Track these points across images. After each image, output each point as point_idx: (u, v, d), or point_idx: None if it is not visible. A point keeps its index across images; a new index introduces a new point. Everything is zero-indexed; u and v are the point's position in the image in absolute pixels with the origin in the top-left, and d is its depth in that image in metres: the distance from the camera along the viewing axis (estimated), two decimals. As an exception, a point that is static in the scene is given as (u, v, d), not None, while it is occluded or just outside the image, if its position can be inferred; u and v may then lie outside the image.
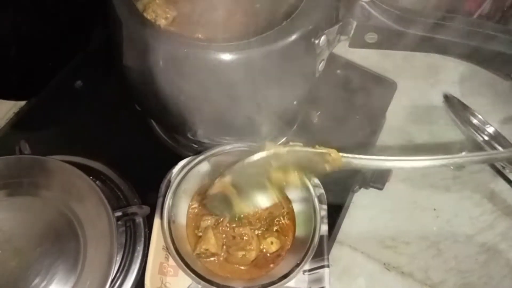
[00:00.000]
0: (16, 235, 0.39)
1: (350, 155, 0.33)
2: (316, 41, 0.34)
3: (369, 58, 0.63)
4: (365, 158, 0.33)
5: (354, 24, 0.35)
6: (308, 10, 0.34)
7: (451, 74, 0.69)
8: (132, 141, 0.49)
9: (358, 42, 0.36)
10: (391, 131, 0.63)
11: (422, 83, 0.69)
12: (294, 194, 0.44)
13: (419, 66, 0.71)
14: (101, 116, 0.50)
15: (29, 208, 0.41)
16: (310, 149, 0.33)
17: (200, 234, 0.40)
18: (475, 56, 0.35)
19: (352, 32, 0.36)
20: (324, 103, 0.53)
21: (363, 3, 0.34)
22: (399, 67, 0.68)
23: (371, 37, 0.35)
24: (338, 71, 0.56)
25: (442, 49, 0.35)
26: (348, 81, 0.56)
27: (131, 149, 0.48)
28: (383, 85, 0.56)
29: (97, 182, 0.46)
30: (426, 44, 0.35)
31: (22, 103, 0.55)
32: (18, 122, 0.52)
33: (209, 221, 0.41)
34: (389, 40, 0.35)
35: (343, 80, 0.56)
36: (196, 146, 0.48)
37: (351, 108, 0.54)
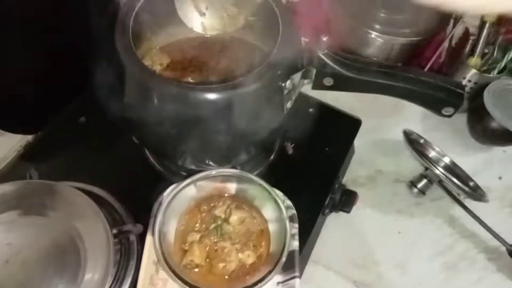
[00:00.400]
0: (24, 249, 0.45)
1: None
2: (283, 84, 0.42)
3: (340, 100, 0.71)
4: None
5: (314, 70, 0.43)
6: (277, 59, 0.42)
7: (413, 113, 0.78)
8: (129, 169, 0.55)
9: (318, 85, 0.44)
10: (361, 162, 0.70)
11: (389, 120, 0.77)
12: (269, 215, 0.50)
13: (387, 105, 0.80)
14: (102, 147, 0.57)
15: (37, 226, 0.46)
16: None
17: (186, 247, 0.46)
18: (412, 97, 0.43)
19: (313, 77, 0.44)
20: (298, 137, 0.61)
21: (320, 54, 0.42)
22: (368, 107, 0.76)
23: (328, 81, 0.44)
24: (311, 110, 0.64)
25: (385, 91, 0.43)
26: (319, 118, 0.63)
27: (127, 176, 0.55)
28: (349, 122, 0.64)
29: (97, 205, 0.52)
30: (372, 87, 0.43)
31: (29, 137, 0.62)
32: (27, 154, 0.58)
33: (194, 236, 0.46)
34: (342, 84, 0.43)
35: (315, 117, 0.63)
36: (185, 173, 0.54)
37: (322, 141, 0.62)
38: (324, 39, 0.41)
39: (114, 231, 0.48)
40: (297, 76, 0.43)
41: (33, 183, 0.48)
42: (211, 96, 0.40)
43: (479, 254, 0.64)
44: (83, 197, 0.48)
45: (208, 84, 0.40)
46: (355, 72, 0.42)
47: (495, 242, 0.63)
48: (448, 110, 0.42)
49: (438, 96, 0.41)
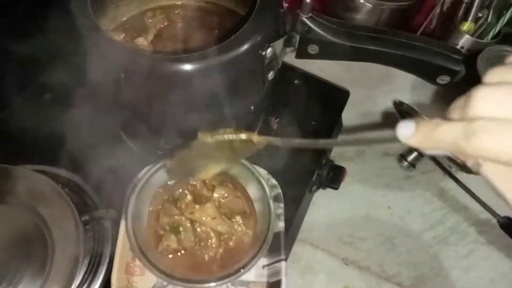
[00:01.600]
0: (-16, 241, 0.41)
1: (269, 137, 0.36)
2: (263, 53, 0.38)
3: (327, 70, 0.67)
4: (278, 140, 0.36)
5: (298, 37, 0.39)
6: (255, 24, 0.37)
7: (403, 83, 0.75)
8: (99, 148, 0.51)
9: (302, 53, 0.40)
10: (348, 135, 0.67)
11: (376, 91, 0.74)
12: (253, 194, 0.47)
13: (375, 76, 0.76)
14: (68, 126, 0.52)
15: (-3, 215, 0.42)
16: (235, 137, 0.36)
17: (162, 232, 0.43)
18: (403, 64, 0.39)
19: (296, 44, 0.40)
20: (282, 110, 0.57)
21: (304, 18, 0.38)
22: (356, 78, 0.73)
23: (313, 48, 0.39)
24: (296, 81, 0.60)
25: (374, 58, 0.39)
26: (305, 91, 0.60)
27: (98, 156, 0.50)
28: (337, 94, 0.60)
29: (66, 189, 0.48)
30: (360, 54, 0.39)
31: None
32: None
33: (169, 219, 0.43)
34: (328, 51, 0.39)
35: (300, 89, 0.60)
36: (161, 152, 0.50)
37: (308, 115, 0.58)
38: (308, 1, 0.36)
39: (85, 217, 0.44)
40: (278, 44, 0.39)
41: (-10, 168, 0.44)
42: (184, 67, 0.35)
43: (470, 227, 0.62)
44: (47, 181, 0.44)
45: (180, 54, 0.36)
46: (342, 38, 0.38)
47: (486, 215, 0.61)
48: (443, 79, 0.38)
49: (433, 63, 0.38)
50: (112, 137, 0.52)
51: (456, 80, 0.39)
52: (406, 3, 0.72)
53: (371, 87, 0.75)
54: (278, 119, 0.57)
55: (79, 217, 0.42)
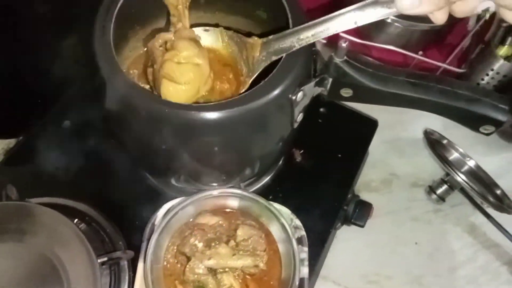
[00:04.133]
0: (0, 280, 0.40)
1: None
2: (294, 97, 0.35)
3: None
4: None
5: (330, 80, 0.37)
6: (286, 68, 0.35)
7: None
8: (118, 182, 0.50)
9: (334, 96, 0.38)
10: (374, 164, 0.64)
11: (404, 116, 0.70)
12: (277, 235, 0.45)
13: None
14: (87, 157, 0.51)
15: (14, 254, 0.41)
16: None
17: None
18: (445, 112, 0.36)
19: (328, 86, 0.37)
20: (307, 141, 0.55)
21: (338, 61, 0.35)
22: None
23: (346, 91, 0.37)
24: (321, 110, 0.57)
25: (414, 105, 0.36)
26: (331, 119, 0.57)
27: (117, 191, 0.49)
28: (364, 123, 0.57)
29: (82, 224, 0.47)
30: (399, 100, 0.36)
31: (6, 144, 0.56)
32: (8, 162, 0.52)
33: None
34: (364, 96, 0.37)
35: (326, 118, 0.57)
36: (181, 186, 0.49)
37: (333, 146, 0.55)
38: (344, 45, 0.34)
39: (103, 259, 0.42)
40: (309, 87, 0.37)
41: (9, 206, 0.43)
42: (209, 116, 0.33)
43: (502, 266, 0.59)
44: (67, 220, 0.42)
45: (206, 95, 0.34)
46: (379, 83, 0.35)
47: (519, 254, 0.58)
48: (487, 128, 0.35)
49: (477, 113, 0.35)
50: (132, 172, 0.50)
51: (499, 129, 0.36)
52: (438, 24, 0.68)
53: (398, 111, 0.71)
54: (302, 151, 0.55)
55: (96, 259, 0.41)
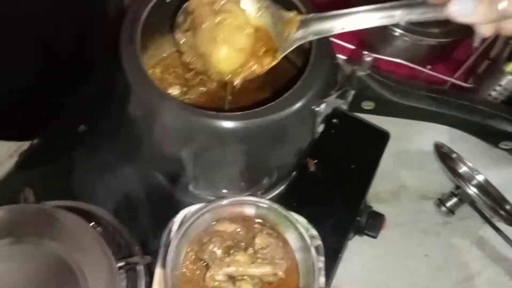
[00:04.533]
0: (17, 284, 0.40)
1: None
2: (317, 109, 0.36)
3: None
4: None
5: (352, 92, 0.37)
6: (310, 80, 0.36)
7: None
8: (135, 187, 0.50)
9: (355, 108, 0.39)
10: (383, 176, 0.65)
11: (413, 128, 0.71)
12: (294, 244, 0.45)
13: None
14: (104, 161, 0.51)
15: (31, 257, 0.41)
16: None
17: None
18: (464, 127, 0.37)
19: (350, 98, 0.38)
20: (321, 151, 0.55)
21: (361, 75, 0.36)
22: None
23: (368, 104, 0.38)
24: (334, 120, 0.58)
25: (433, 119, 0.37)
26: (343, 130, 0.58)
27: (133, 195, 0.49)
28: (376, 135, 0.58)
29: (99, 228, 0.47)
30: (419, 114, 0.37)
31: (23, 148, 0.56)
32: (19, 168, 0.52)
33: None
34: (385, 109, 0.38)
35: (339, 129, 0.58)
36: (198, 193, 0.49)
37: (346, 157, 0.56)
38: (368, 59, 0.34)
39: (120, 263, 0.43)
40: (332, 98, 0.37)
41: (29, 209, 0.43)
42: (233, 125, 0.34)
43: (511, 281, 0.59)
44: (85, 224, 0.43)
45: (229, 111, 0.35)
46: (401, 97, 0.36)
47: (527, 267, 0.59)
48: (507, 144, 0.36)
49: (496, 128, 0.36)
50: (148, 177, 0.51)
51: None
52: (446, 40, 0.70)
53: (407, 123, 0.72)
54: (315, 161, 0.55)
55: (115, 263, 0.41)
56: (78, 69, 0.57)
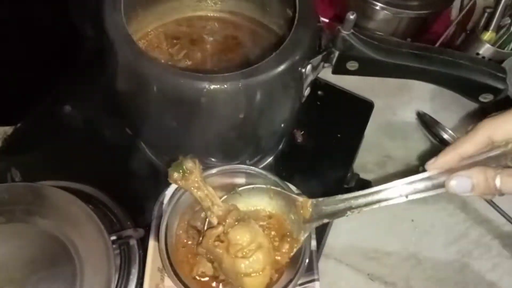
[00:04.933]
0: (10, 263, 0.39)
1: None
2: (303, 70, 0.37)
3: (345, 79, 0.66)
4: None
5: (337, 53, 0.38)
6: (295, 41, 0.36)
7: (422, 91, 0.74)
8: (123, 163, 0.50)
9: (340, 69, 0.39)
10: (368, 147, 0.66)
11: (396, 101, 0.73)
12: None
13: (393, 84, 0.75)
14: (91, 140, 0.51)
15: (23, 235, 0.41)
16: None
17: (197, 258, 0.41)
18: (446, 82, 0.38)
19: (334, 60, 0.39)
20: (307, 123, 0.56)
21: (345, 34, 0.37)
22: (374, 86, 0.72)
23: (352, 65, 0.38)
24: (319, 92, 0.59)
25: (416, 76, 0.38)
26: (329, 102, 0.59)
27: (122, 172, 0.49)
28: (361, 105, 0.59)
29: (90, 206, 0.46)
30: (402, 71, 0.38)
31: (8, 129, 0.55)
32: (6, 150, 0.51)
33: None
34: (369, 68, 0.38)
35: (324, 100, 0.58)
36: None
37: (332, 127, 0.57)
38: (352, 17, 0.35)
39: (113, 237, 0.43)
40: (317, 60, 0.38)
41: (16, 187, 0.43)
42: (221, 86, 0.34)
43: (494, 240, 0.62)
44: (75, 199, 0.42)
45: (216, 73, 0.35)
46: (384, 55, 0.37)
47: (509, 227, 0.61)
48: (486, 97, 0.37)
49: (477, 81, 0.37)
50: (136, 152, 0.50)
51: (498, 98, 0.38)
52: (425, 11, 0.71)
53: (389, 96, 0.74)
54: (302, 132, 0.56)
55: (108, 236, 0.41)
56: (60, 52, 0.56)
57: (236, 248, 0.38)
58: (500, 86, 0.36)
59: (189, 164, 0.38)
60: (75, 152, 0.50)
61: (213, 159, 0.46)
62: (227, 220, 0.39)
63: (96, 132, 0.51)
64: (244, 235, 0.38)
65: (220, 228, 0.39)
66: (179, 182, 0.39)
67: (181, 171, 0.38)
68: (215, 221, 0.39)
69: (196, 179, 0.39)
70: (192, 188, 0.39)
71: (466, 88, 0.38)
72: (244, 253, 0.38)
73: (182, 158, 0.39)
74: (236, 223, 0.40)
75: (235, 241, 0.39)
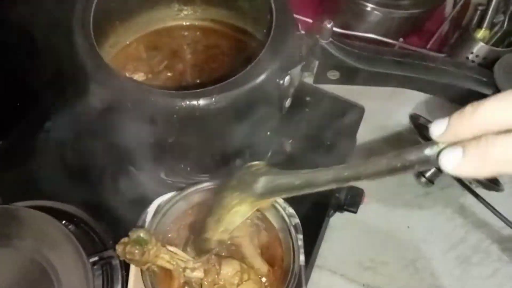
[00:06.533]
0: (-13, 288, 0.38)
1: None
2: (281, 81, 0.35)
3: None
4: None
5: (316, 62, 0.36)
6: (272, 52, 0.35)
7: (416, 94, 0.72)
8: (105, 181, 0.48)
9: (321, 79, 0.38)
10: (362, 151, 0.64)
11: (389, 103, 0.71)
12: (277, 223, 0.44)
13: (386, 88, 0.73)
14: (72, 157, 0.50)
15: (2, 259, 0.40)
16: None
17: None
18: (432, 89, 0.36)
19: (315, 69, 0.37)
20: (295, 130, 0.54)
21: (323, 43, 0.35)
22: (366, 89, 0.70)
23: (333, 74, 0.37)
24: (307, 98, 0.57)
25: (400, 84, 0.37)
26: (318, 108, 0.57)
27: (104, 190, 0.48)
28: (351, 110, 0.57)
29: (71, 226, 0.46)
30: (385, 79, 0.36)
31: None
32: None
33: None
34: (350, 77, 0.37)
35: (312, 107, 0.57)
36: (170, 182, 0.48)
37: (322, 134, 0.55)
38: (329, 25, 0.33)
39: (94, 258, 0.41)
40: (296, 70, 0.36)
41: (-8, 210, 0.41)
42: (194, 102, 0.33)
43: (493, 244, 0.60)
44: (53, 222, 0.41)
45: (198, 84, 0.33)
46: (365, 63, 0.35)
47: (508, 231, 0.59)
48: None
49: (463, 88, 0.35)
50: (117, 169, 0.49)
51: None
52: (416, 10, 0.69)
53: (382, 99, 0.72)
54: (290, 140, 0.54)
55: (87, 259, 0.40)
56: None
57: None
58: (486, 92, 0.35)
59: (141, 233, 0.36)
60: (57, 171, 0.49)
61: (199, 175, 0.45)
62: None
63: (77, 150, 0.50)
64: (227, 264, 0.39)
65: (201, 272, 0.39)
66: (138, 258, 0.36)
67: (137, 246, 0.35)
68: (200, 274, 0.39)
69: (155, 247, 0.36)
70: (157, 258, 0.37)
71: (452, 94, 0.36)
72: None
73: (132, 232, 0.36)
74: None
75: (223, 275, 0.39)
